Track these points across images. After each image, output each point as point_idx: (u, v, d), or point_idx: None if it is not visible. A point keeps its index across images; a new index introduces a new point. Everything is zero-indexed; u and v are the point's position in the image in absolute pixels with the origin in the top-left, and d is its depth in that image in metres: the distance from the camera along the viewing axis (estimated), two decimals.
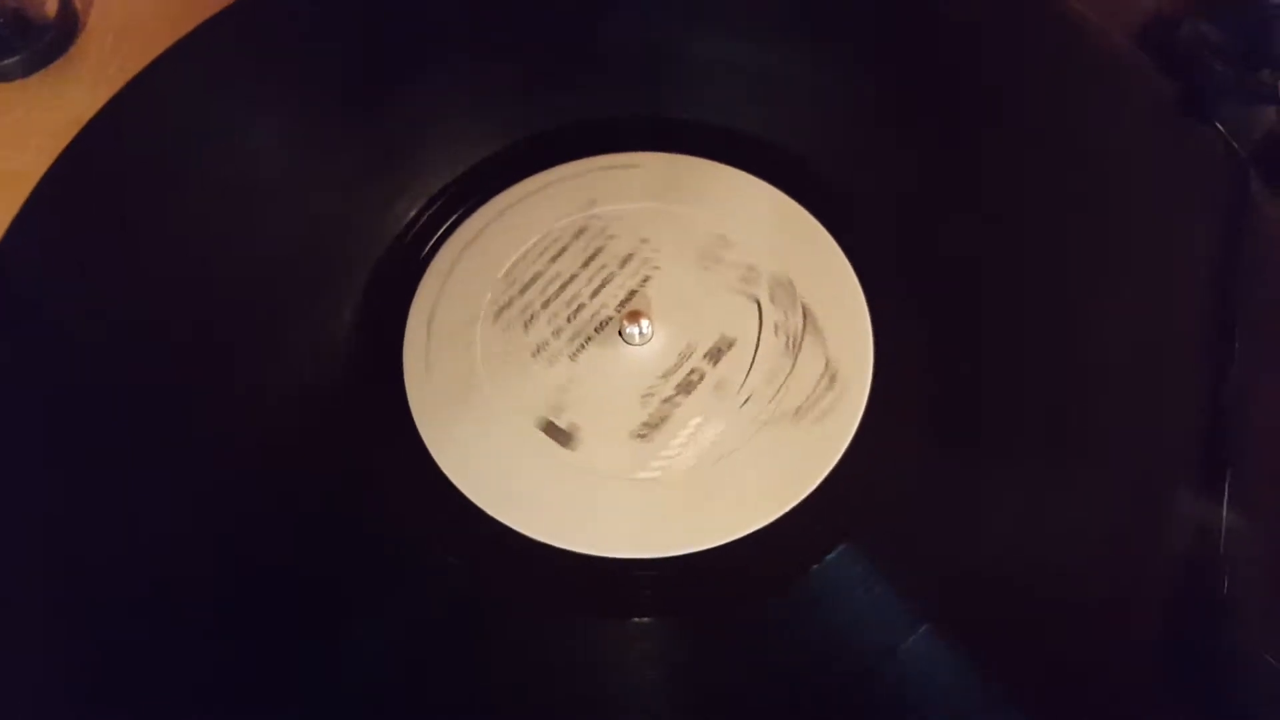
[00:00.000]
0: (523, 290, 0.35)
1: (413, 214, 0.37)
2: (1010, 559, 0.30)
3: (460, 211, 0.37)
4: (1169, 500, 0.31)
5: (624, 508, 0.31)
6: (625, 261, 0.35)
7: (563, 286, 0.35)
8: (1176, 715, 0.28)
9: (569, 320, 0.34)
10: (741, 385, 0.33)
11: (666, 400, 0.33)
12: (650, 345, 0.33)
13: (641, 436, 0.32)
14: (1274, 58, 0.37)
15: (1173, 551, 0.31)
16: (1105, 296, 0.35)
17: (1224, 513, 0.30)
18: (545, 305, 0.35)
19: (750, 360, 0.33)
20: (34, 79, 0.45)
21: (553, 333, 0.34)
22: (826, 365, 0.33)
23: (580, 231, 0.36)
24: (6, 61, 0.44)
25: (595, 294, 0.35)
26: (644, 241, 0.35)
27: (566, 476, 0.32)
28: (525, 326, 0.34)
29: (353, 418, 0.33)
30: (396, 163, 0.38)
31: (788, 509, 0.30)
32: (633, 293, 0.35)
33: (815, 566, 0.29)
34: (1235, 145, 0.37)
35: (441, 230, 0.36)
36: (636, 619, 0.29)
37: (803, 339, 0.33)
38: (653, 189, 0.37)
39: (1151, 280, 0.36)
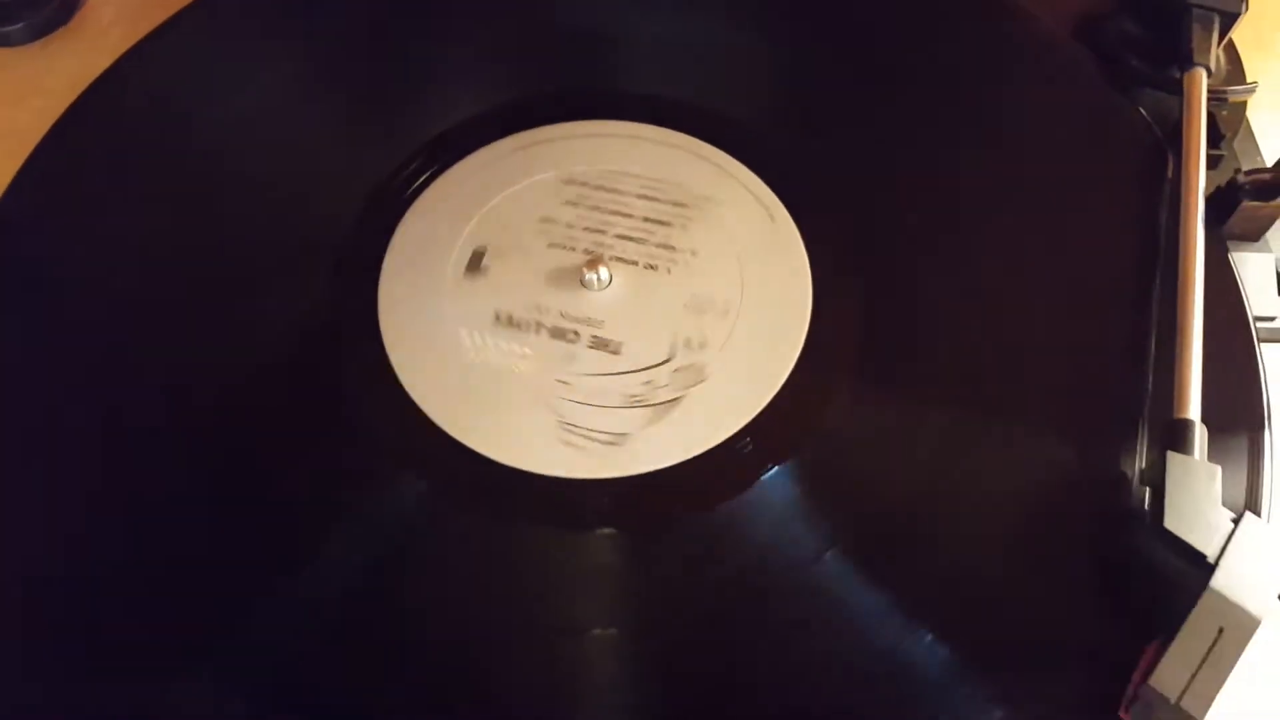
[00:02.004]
0: (597, 188, 0.39)
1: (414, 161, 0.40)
2: (927, 491, 0.34)
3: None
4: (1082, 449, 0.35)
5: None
6: (663, 246, 0.38)
7: (617, 213, 0.38)
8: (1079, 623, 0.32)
9: (584, 229, 0.38)
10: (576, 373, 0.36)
11: (538, 323, 0.36)
12: (591, 294, 0.37)
13: (496, 319, 0.36)
14: (1183, 55, 0.40)
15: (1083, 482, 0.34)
16: (1034, 258, 0.38)
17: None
18: (592, 207, 0.38)
19: (604, 374, 0.36)
20: (36, 45, 0.47)
21: (566, 223, 0.38)
22: (621, 436, 0.34)
23: (680, 204, 0.39)
24: (11, 28, 0.47)
25: (619, 237, 0.38)
26: (692, 254, 0.38)
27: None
28: (565, 203, 0.38)
29: (332, 343, 0.36)
30: (400, 120, 0.41)
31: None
32: (631, 263, 0.38)
33: (746, 490, 0.32)
34: (1155, 128, 0.41)
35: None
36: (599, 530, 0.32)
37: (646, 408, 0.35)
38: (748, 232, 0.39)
39: (1075, 241, 0.39)
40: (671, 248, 0.38)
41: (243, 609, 0.31)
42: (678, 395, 0.35)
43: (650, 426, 0.34)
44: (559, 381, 0.35)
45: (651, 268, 0.37)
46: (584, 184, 0.39)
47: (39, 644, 0.31)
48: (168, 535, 0.33)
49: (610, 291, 0.37)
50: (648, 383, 0.35)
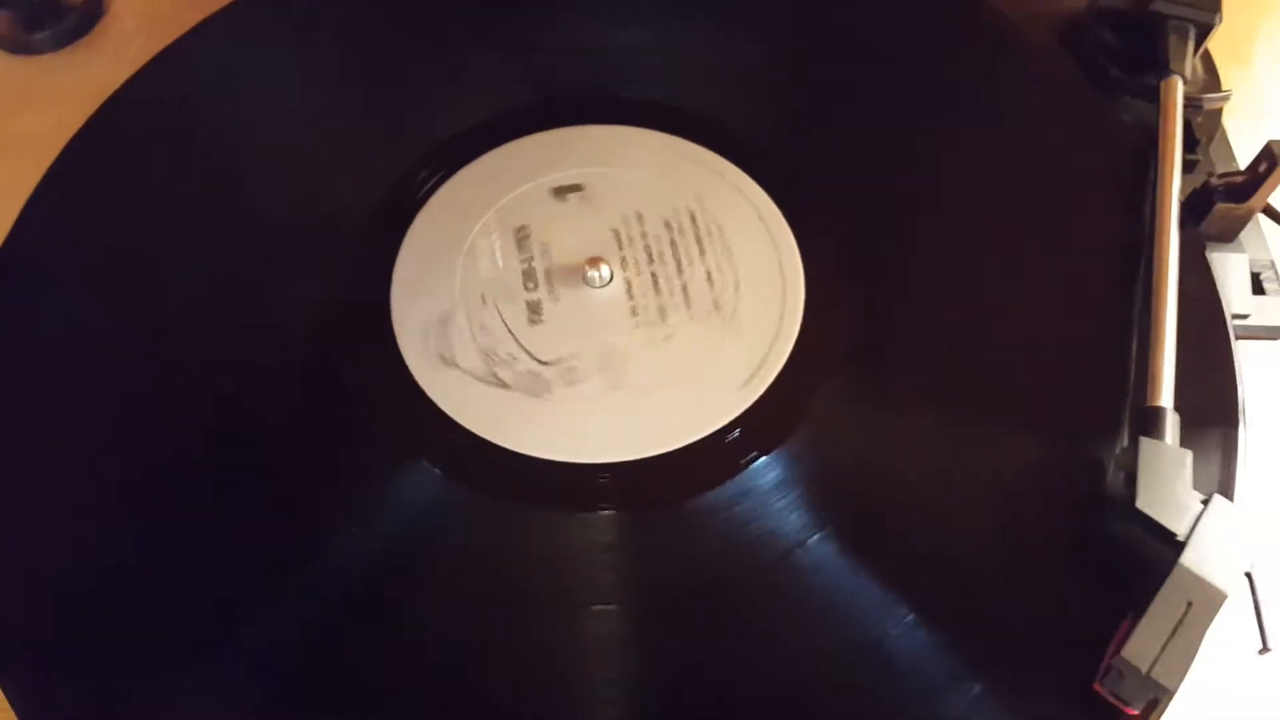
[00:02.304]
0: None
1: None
2: (912, 478, 0.35)
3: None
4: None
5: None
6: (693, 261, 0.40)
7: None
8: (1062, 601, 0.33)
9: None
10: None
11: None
12: (607, 289, 0.38)
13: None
14: (1160, 64, 0.42)
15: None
16: (1019, 257, 0.40)
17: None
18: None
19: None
20: (61, 54, 0.49)
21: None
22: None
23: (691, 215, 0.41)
24: (36, 37, 0.49)
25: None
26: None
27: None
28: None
29: (345, 333, 0.38)
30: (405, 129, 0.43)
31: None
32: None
33: (740, 473, 0.34)
34: (1135, 133, 0.43)
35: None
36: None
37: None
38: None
39: (1059, 241, 0.40)
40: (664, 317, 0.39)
41: (264, 597, 0.33)
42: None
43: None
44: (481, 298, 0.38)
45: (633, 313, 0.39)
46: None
47: (61, 636, 0.33)
48: (190, 527, 0.34)
49: (599, 293, 0.39)
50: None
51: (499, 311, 0.38)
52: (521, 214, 0.40)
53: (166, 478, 0.35)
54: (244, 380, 0.37)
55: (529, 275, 0.39)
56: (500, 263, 0.39)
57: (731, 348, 0.37)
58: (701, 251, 0.40)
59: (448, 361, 0.37)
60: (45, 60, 0.49)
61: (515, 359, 0.37)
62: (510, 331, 0.37)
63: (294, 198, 0.42)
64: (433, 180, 0.41)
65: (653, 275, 0.39)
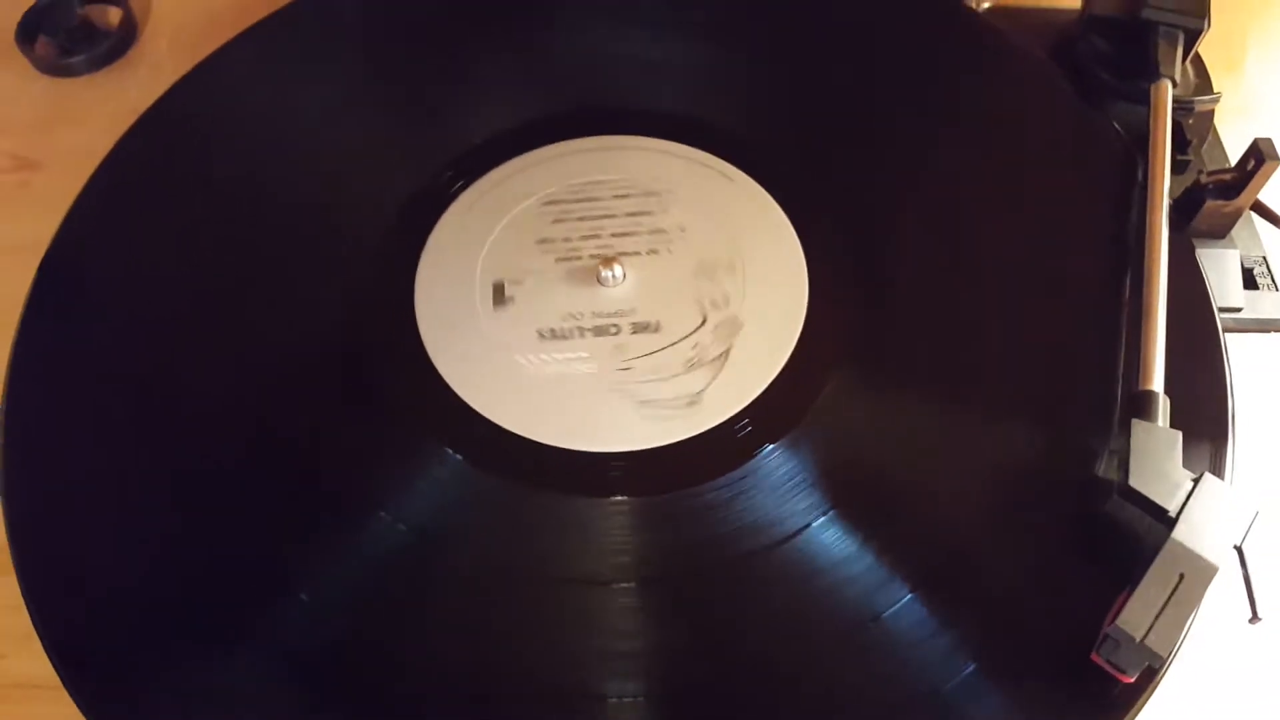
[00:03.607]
0: (577, 200, 0.42)
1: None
2: (914, 464, 0.37)
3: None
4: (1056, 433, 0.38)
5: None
6: (654, 232, 0.42)
7: (602, 216, 0.42)
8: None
9: (581, 237, 0.41)
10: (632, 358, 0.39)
11: (579, 328, 0.39)
12: (612, 290, 0.40)
13: (541, 336, 0.39)
14: (1149, 69, 0.44)
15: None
16: (1014, 256, 0.42)
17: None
18: (579, 218, 0.42)
19: (655, 350, 0.39)
20: (98, 75, 0.52)
21: (563, 238, 0.41)
22: (698, 394, 0.38)
23: (650, 194, 0.43)
24: (73, 60, 0.51)
25: (614, 236, 0.42)
26: (681, 230, 0.42)
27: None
28: (554, 221, 0.42)
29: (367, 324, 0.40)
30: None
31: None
32: (634, 254, 0.41)
33: (748, 461, 0.36)
34: (1124, 136, 0.44)
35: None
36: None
37: (703, 365, 0.39)
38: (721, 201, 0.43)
39: (1053, 241, 0.42)
40: (662, 230, 0.42)
41: (299, 580, 0.35)
42: (726, 347, 0.39)
43: (715, 380, 0.38)
44: (620, 370, 0.38)
45: (654, 252, 0.41)
46: (562, 201, 0.43)
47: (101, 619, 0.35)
48: (230, 519, 0.36)
49: (628, 283, 0.40)
50: (695, 346, 0.39)
51: (540, 335, 0.39)
52: (539, 219, 0.42)
53: (204, 472, 0.37)
54: (277, 377, 0.39)
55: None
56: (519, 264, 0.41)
57: (740, 341, 0.39)
58: (690, 226, 0.42)
59: (470, 356, 0.38)
60: (82, 82, 0.52)
61: (535, 353, 0.39)
62: (559, 349, 0.39)
63: (320, 206, 0.43)
64: (456, 187, 0.43)
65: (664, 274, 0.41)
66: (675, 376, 0.38)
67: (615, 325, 0.39)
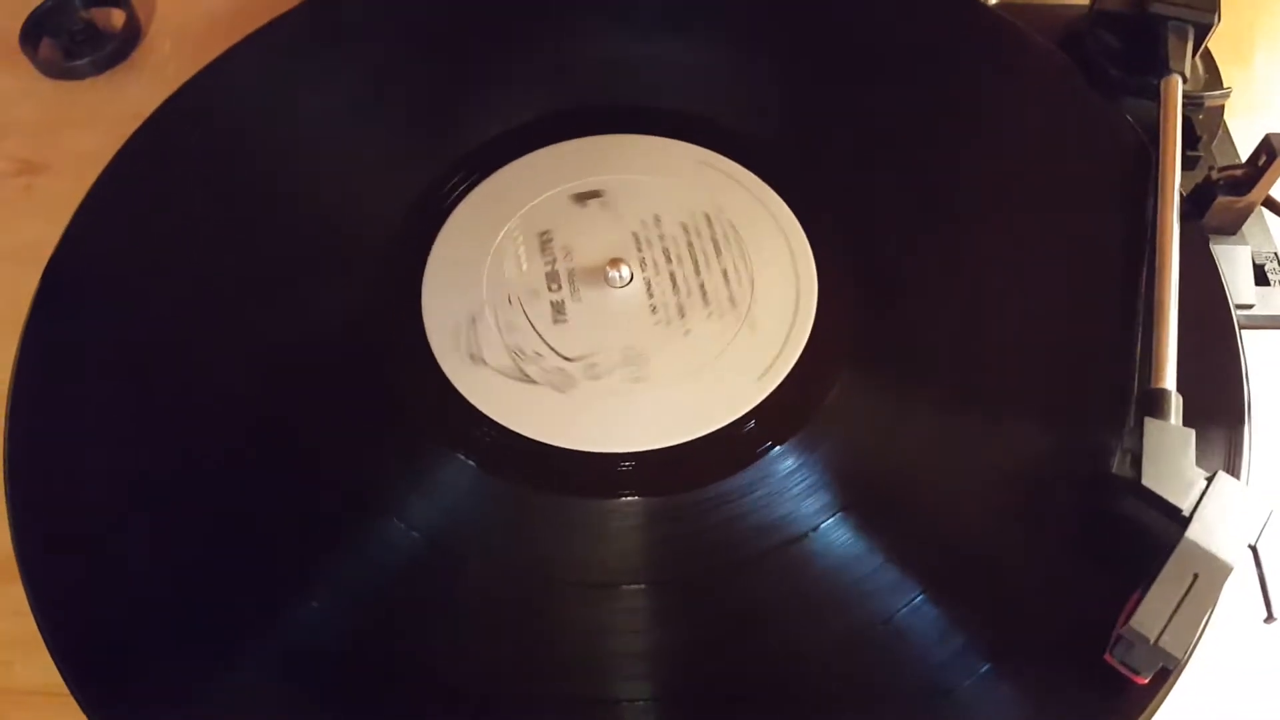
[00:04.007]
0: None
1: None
2: (924, 464, 0.36)
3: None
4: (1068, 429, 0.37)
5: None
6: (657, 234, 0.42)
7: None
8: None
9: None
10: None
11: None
12: (622, 290, 0.40)
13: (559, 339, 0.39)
14: (1159, 64, 0.44)
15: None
16: (1026, 253, 0.41)
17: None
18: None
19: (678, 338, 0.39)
20: (102, 78, 0.52)
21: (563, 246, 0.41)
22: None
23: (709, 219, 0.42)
24: (78, 63, 0.51)
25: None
26: (684, 230, 0.42)
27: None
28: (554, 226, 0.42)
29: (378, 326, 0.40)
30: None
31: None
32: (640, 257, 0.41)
33: (757, 461, 0.36)
34: (1137, 129, 0.44)
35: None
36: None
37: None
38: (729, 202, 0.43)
39: (1065, 236, 0.42)
40: (664, 233, 0.42)
41: (312, 586, 0.35)
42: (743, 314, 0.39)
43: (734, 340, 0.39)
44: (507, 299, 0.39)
45: (657, 252, 0.41)
46: (565, 207, 0.43)
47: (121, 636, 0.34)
48: (238, 523, 0.36)
49: (636, 283, 0.40)
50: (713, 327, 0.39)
51: (524, 311, 0.39)
52: (544, 220, 0.42)
53: (211, 477, 0.37)
54: (284, 381, 0.39)
55: (552, 277, 0.40)
56: (525, 266, 0.41)
57: (748, 342, 0.39)
58: (718, 252, 0.41)
59: (477, 360, 0.38)
60: (86, 84, 0.52)
61: (541, 356, 0.38)
62: (535, 330, 0.39)
63: (326, 206, 0.43)
64: (460, 189, 0.43)
65: (671, 275, 0.40)
66: (698, 366, 0.38)
67: (631, 323, 0.39)
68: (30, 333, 0.40)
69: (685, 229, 0.42)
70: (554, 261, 0.41)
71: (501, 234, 0.42)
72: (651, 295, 0.40)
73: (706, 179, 0.43)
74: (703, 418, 0.37)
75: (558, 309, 0.40)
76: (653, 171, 0.43)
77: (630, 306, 0.40)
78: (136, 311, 0.41)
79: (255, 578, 0.35)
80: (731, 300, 0.40)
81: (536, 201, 0.42)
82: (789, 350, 0.38)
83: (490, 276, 0.41)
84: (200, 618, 0.34)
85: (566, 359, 0.38)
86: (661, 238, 0.41)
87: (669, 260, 0.41)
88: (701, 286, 0.40)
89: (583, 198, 0.43)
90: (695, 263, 0.41)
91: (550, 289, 0.40)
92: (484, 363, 0.38)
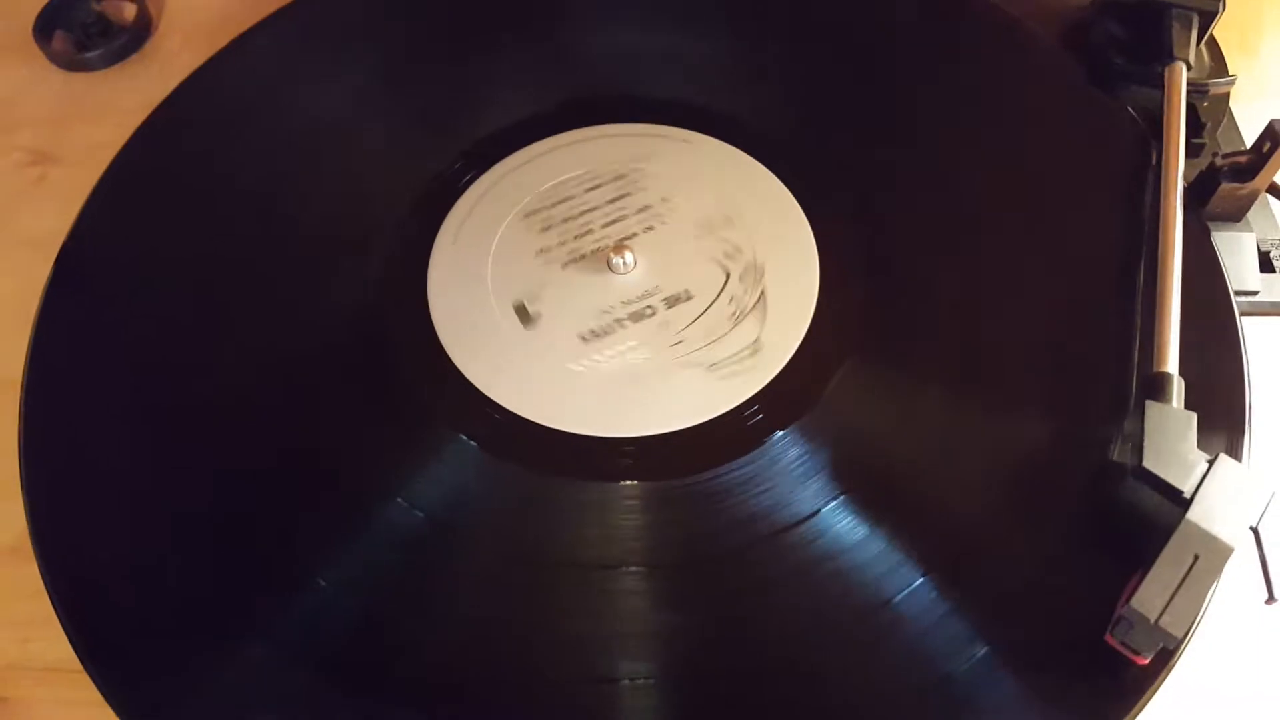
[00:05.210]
0: (554, 204, 0.42)
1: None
2: (925, 450, 0.37)
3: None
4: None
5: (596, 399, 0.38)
6: (641, 210, 0.42)
7: (585, 211, 0.42)
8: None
9: (575, 237, 0.41)
10: (680, 331, 0.39)
11: (617, 320, 0.39)
12: (629, 275, 0.40)
13: (584, 339, 0.39)
14: (1164, 52, 0.44)
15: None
16: (1029, 242, 0.41)
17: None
18: (564, 220, 0.42)
19: (697, 315, 0.39)
20: (113, 70, 0.52)
21: (559, 242, 0.41)
22: (756, 341, 0.39)
23: (619, 176, 0.43)
24: (89, 55, 0.52)
25: (605, 226, 0.42)
26: (664, 200, 0.42)
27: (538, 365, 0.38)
28: (541, 230, 0.42)
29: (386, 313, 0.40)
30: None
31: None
32: (633, 235, 0.41)
33: (759, 447, 0.36)
34: (1137, 119, 0.44)
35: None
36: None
37: (748, 314, 0.39)
38: (690, 163, 0.43)
39: (1068, 227, 0.42)
40: (648, 206, 0.42)
41: (320, 565, 0.35)
42: (760, 290, 0.39)
43: (765, 324, 0.39)
44: (674, 345, 0.39)
45: (650, 229, 0.41)
46: (538, 210, 0.43)
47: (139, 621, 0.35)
48: (250, 504, 0.37)
49: (641, 265, 0.40)
50: (732, 299, 0.39)
51: (583, 338, 0.39)
52: (516, 258, 0.42)
53: (222, 459, 0.37)
54: (293, 364, 0.39)
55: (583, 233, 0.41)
56: (545, 308, 0.40)
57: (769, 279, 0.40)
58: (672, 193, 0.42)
59: (565, 394, 0.38)
60: (97, 76, 0.52)
61: (632, 360, 0.39)
62: (607, 345, 0.39)
63: (332, 194, 0.44)
64: (468, 176, 0.43)
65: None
66: (727, 334, 0.39)
67: (649, 307, 0.40)
68: (44, 318, 0.41)
69: (631, 194, 0.42)
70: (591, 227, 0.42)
71: (489, 281, 0.41)
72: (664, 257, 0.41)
73: (710, 169, 0.43)
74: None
75: (605, 318, 0.40)
76: (730, 194, 0.43)
77: (657, 276, 0.40)
78: (147, 298, 0.41)
79: (265, 557, 0.35)
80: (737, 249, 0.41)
81: (496, 242, 0.42)
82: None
83: (517, 333, 0.40)
84: (211, 596, 0.35)
85: (654, 349, 0.39)
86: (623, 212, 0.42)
87: (648, 224, 0.41)
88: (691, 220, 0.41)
89: (528, 220, 0.43)
90: (669, 207, 0.41)
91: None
92: (581, 396, 0.38)
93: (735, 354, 0.38)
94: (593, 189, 0.43)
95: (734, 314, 0.39)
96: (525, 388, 0.38)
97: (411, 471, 0.36)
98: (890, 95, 0.46)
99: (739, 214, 0.42)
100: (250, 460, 0.37)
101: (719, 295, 0.40)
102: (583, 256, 0.41)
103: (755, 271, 0.40)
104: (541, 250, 0.41)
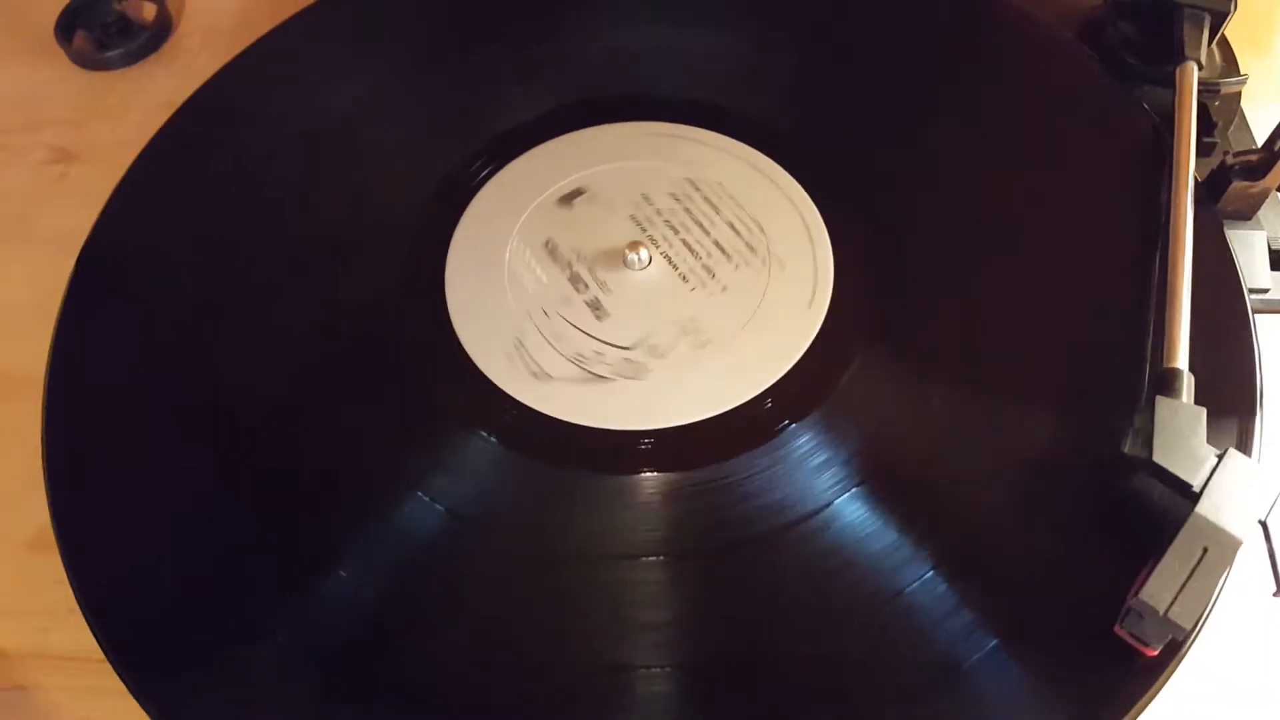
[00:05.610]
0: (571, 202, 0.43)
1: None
2: (936, 443, 0.37)
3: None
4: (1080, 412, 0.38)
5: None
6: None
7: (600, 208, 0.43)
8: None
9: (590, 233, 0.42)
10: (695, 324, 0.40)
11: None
12: (645, 272, 0.41)
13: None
14: (1176, 52, 0.44)
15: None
16: (1042, 239, 0.42)
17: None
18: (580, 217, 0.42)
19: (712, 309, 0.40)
20: (134, 69, 0.53)
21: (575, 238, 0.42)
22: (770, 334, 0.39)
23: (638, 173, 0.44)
24: (110, 54, 0.53)
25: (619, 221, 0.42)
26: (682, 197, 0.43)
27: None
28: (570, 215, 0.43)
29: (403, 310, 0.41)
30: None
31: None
32: (646, 231, 0.42)
33: (772, 439, 0.36)
34: (1154, 115, 0.44)
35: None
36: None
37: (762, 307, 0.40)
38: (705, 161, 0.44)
39: (1081, 223, 0.42)
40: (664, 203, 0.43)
41: (340, 558, 0.35)
42: (775, 284, 0.40)
43: (780, 317, 0.39)
44: (690, 338, 0.39)
45: (667, 223, 0.42)
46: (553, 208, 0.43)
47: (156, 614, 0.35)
48: (270, 498, 0.37)
49: (657, 261, 0.41)
50: (747, 292, 0.40)
51: (564, 318, 0.40)
52: (541, 230, 0.42)
53: (242, 453, 0.38)
54: (314, 360, 0.40)
55: (576, 279, 0.41)
56: (544, 278, 0.41)
57: (781, 280, 0.40)
58: (716, 210, 0.42)
59: (542, 376, 0.38)
60: (118, 75, 0.53)
61: (601, 354, 0.39)
62: (584, 332, 0.40)
63: (351, 194, 0.44)
64: (485, 172, 0.44)
65: (684, 243, 0.41)
66: (742, 326, 0.39)
67: (586, 285, 0.40)
68: (66, 316, 0.41)
69: (675, 198, 0.42)
70: (570, 265, 0.41)
71: (506, 255, 0.42)
72: (676, 267, 0.41)
73: (716, 160, 0.44)
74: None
75: (594, 306, 0.40)
76: (621, 158, 0.44)
77: (661, 284, 0.40)
78: (168, 296, 0.42)
79: (287, 548, 0.36)
80: (750, 247, 0.41)
81: (525, 216, 0.43)
82: (806, 329, 0.39)
83: (514, 297, 0.41)
84: (234, 588, 0.35)
85: (625, 348, 0.39)
86: (659, 213, 0.42)
87: (675, 230, 0.42)
88: (716, 243, 0.41)
89: (567, 199, 0.43)
90: (700, 225, 0.42)
91: (578, 290, 0.41)
92: (550, 377, 0.38)
93: (749, 346, 0.39)
94: (673, 198, 0.43)
95: (749, 307, 0.40)
96: (543, 383, 0.38)
97: (432, 467, 0.37)
98: (907, 91, 0.46)
99: (754, 209, 0.42)
100: (273, 458, 0.38)
101: (734, 288, 0.40)
102: (599, 253, 0.41)
103: (770, 265, 0.41)
104: (645, 196, 0.42)
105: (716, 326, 0.39)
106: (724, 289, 0.40)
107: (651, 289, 0.40)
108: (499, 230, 0.42)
